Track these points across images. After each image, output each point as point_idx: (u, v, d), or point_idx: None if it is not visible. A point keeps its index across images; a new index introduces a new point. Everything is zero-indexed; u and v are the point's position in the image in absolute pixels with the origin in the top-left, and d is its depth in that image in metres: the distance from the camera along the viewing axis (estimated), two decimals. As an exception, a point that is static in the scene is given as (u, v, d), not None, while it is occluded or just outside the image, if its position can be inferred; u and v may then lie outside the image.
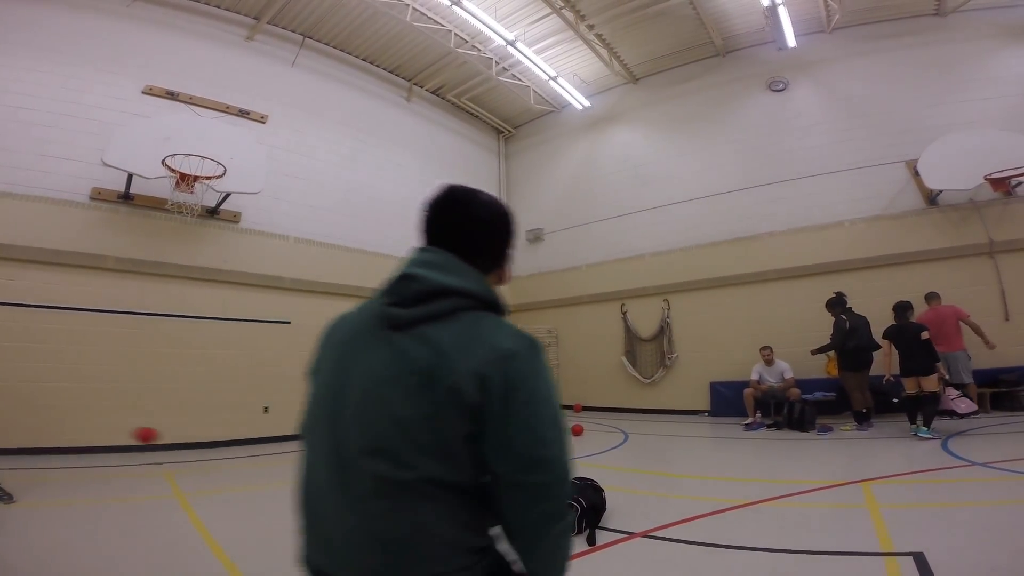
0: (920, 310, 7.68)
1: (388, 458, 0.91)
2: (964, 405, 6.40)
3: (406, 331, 0.97)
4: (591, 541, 3.23)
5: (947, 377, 6.58)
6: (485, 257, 1.10)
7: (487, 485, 0.98)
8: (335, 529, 0.96)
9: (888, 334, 6.68)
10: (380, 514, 0.91)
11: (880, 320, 7.50)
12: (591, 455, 6.28)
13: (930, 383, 6.14)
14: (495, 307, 1.05)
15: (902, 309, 6.65)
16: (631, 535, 3.34)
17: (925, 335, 6.27)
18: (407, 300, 0.99)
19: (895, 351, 6.56)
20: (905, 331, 6.47)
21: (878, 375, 7.31)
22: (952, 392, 6.51)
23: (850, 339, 7.05)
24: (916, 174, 8.26)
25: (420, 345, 0.95)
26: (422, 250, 1.09)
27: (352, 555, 0.94)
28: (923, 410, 6.12)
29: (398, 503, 0.91)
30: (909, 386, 6.37)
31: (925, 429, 6.00)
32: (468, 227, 1.09)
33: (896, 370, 6.55)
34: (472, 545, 0.96)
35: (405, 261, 1.06)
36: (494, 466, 0.94)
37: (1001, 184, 7.46)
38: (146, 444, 6.14)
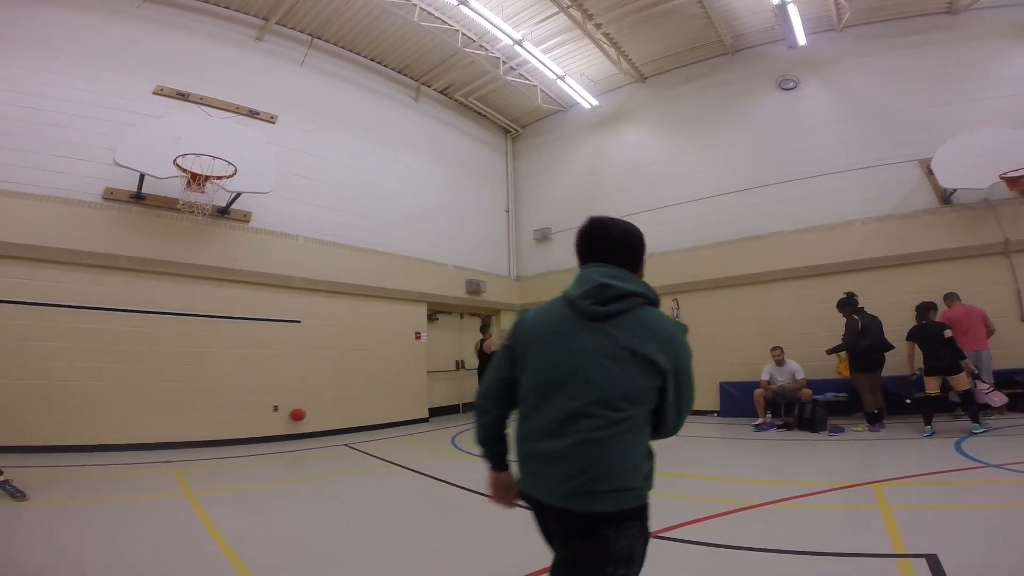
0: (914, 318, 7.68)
1: (605, 405, 1.36)
2: (997, 399, 6.38)
3: (606, 322, 1.44)
4: (600, 541, 3.22)
5: (976, 372, 6.52)
6: (630, 265, 1.57)
7: (653, 414, 1.47)
8: (552, 461, 1.38)
9: (911, 335, 6.64)
10: (596, 443, 1.35)
11: (892, 320, 7.44)
12: (599, 455, 6.26)
13: (960, 381, 6.12)
14: (655, 302, 1.53)
15: (924, 309, 6.61)
16: (640, 535, 3.32)
17: (948, 333, 6.24)
18: (604, 300, 1.45)
19: (918, 351, 6.55)
20: (928, 330, 6.43)
21: (890, 375, 7.26)
22: (984, 387, 6.47)
23: (862, 339, 6.97)
24: (929, 173, 8.16)
25: (621, 331, 1.42)
26: (599, 266, 1.54)
27: (563, 478, 1.36)
28: (965, 409, 6.15)
29: (609, 435, 1.35)
30: (930, 386, 6.32)
31: (977, 425, 6.01)
32: (616, 246, 1.59)
33: (919, 367, 6.56)
34: (644, 470, 1.41)
35: (591, 273, 1.51)
36: (669, 404, 1.46)
37: (1016, 183, 7.34)
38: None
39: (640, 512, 1.41)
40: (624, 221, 1.66)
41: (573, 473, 1.34)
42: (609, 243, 1.59)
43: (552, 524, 1.48)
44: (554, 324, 1.52)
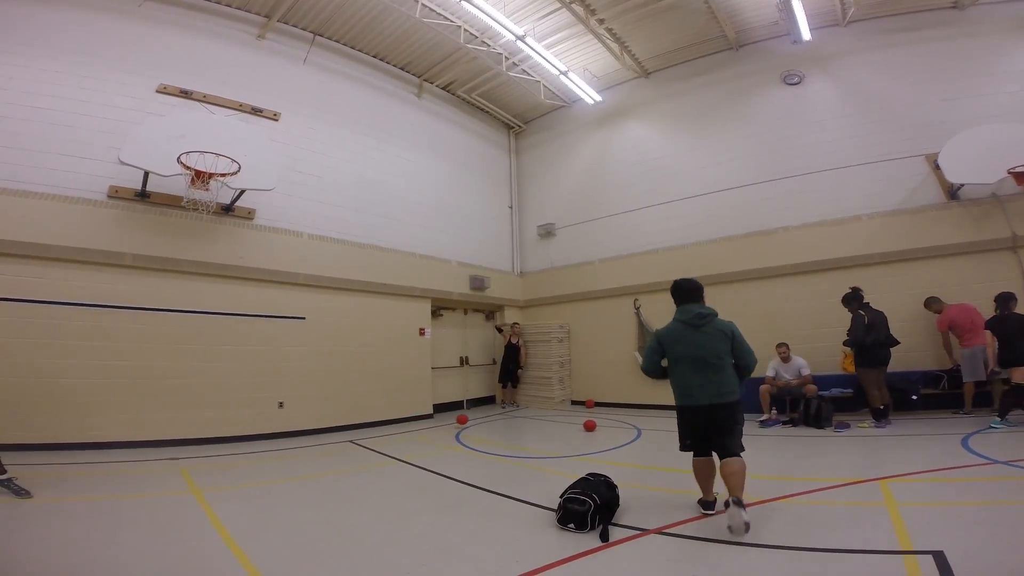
0: (920, 314, 7.76)
1: (717, 357, 3.67)
2: None
3: (703, 327, 3.74)
4: (604, 537, 3.22)
5: None
6: (701, 297, 3.94)
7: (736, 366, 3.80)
8: (699, 386, 3.66)
9: (991, 325, 6.59)
10: (717, 374, 3.66)
11: (900, 316, 7.41)
12: (604, 451, 6.26)
13: (1020, 374, 6.07)
14: (717, 315, 3.84)
15: (1005, 300, 6.56)
16: (644, 532, 3.33)
17: None
18: (700, 318, 3.76)
19: (993, 342, 6.51)
20: (1010, 321, 6.38)
21: (896, 371, 7.24)
22: None
23: (869, 335, 6.94)
24: (936, 168, 8.10)
25: (710, 328, 3.74)
26: (691, 304, 3.84)
27: (707, 391, 3.64)
28: (1002, 400, 6.08)
29: (723, 372, 3.67)
30: (1018, 376, 6.25)
31: (998, 420, 5.96)
32: (694, 293, 3.91)
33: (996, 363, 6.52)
34: (738, 386, 3.73)
35: (690, 308, 3.82)
36: (735, 357, 3.75)
37: (1024, 178, 7.28)
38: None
39: (739, 401, 3.63)
40: (690, 279, 3.97)
41: (713, 389, 3.58)
42: (690, 292, 3.86)
43: (700, 418, 3.64)
44: (677, 331, 3.76)
